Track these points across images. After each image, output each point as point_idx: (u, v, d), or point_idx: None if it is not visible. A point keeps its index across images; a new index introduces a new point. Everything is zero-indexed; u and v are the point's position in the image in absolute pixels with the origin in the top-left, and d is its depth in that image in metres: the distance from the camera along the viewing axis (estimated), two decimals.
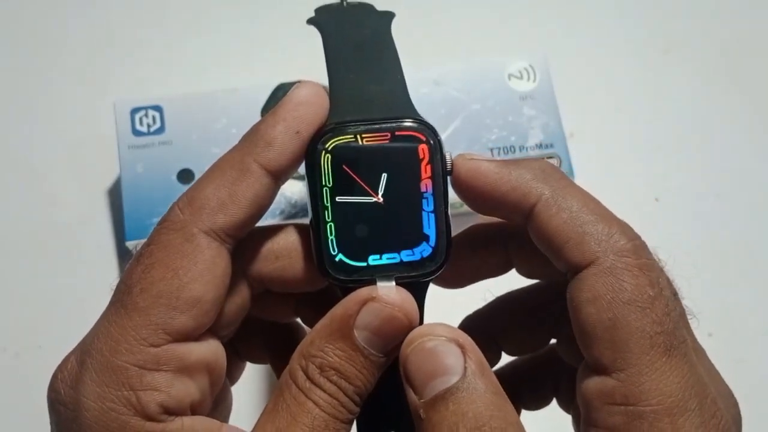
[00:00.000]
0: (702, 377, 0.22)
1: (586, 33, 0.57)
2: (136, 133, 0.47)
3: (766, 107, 0.55)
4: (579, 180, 0.46)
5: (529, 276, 0.29)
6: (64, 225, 0.50)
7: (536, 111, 0.48)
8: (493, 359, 0.30)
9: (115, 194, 0.50)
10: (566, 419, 0.29)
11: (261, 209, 0.25)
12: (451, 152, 0.25)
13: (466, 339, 0.23)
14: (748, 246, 0.51)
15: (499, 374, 0.29)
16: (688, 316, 0.25)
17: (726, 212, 0.52)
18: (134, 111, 0.47)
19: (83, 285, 0.46)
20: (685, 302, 0.25)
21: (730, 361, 0.47)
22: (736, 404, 0.24)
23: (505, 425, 0.22)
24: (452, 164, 0.25)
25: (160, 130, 0.47)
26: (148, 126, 0.47)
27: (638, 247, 0.23)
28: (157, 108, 0.47)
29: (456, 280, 0.29)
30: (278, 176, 0.25)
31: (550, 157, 0.47)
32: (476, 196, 0.25)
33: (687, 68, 0.56)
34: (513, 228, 0.26)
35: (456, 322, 0.31)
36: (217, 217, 0.23)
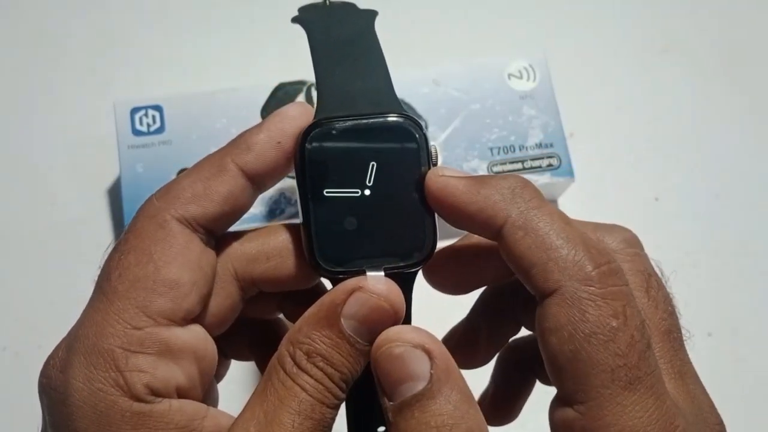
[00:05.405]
0: (670, 409, 0.22)
1: (585, 33, 0.57)
2: (136, 132, 0.47)
3: (765, 107, 0.55)
4: (579, 180, 0.46)
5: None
6: (64, 225, 0.50)
7: (536, 111, 0.48)
8: (511, 332, 0.31)
9: (115, 194, 0.50)
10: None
11: (236, 208, 0.25)
12: (436, 145, 0.25)
13: (433, 344, 0.23)
14: (748, 246, 0.51)
15: (518, 346, 0.31)
16: (684, 335, 0.24)
17: (725, 212, 0.52)
18: (134, 111, 0.47)
19: (83, 285, 0.46)
20: (681, 321, 0.25)
21: (730, 360, 0.47)
22: (717, 428, 0.24)
23: None
24: (437, 157, 0.25)
25: (160, 129, 0.47)
26: (148, 126, 0.47)
27: (605, 273, 0.22)
28: (157, 108, 0.47)
29: (475, 359, 0.30)
30: (255, 180, 0.25)
31: (551, 157, 0.47)
32: (447, 214, 0.25)
33: (687, 67, 0.56)
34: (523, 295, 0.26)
35: (456, 319, 0.32)
36: (189, 206, 0.24)
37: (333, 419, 0.24)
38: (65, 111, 0.53)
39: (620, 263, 0.24)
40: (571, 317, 0.22)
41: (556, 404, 0.23)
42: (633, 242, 0.26)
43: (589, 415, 0.22)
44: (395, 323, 0.24)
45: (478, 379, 0.31)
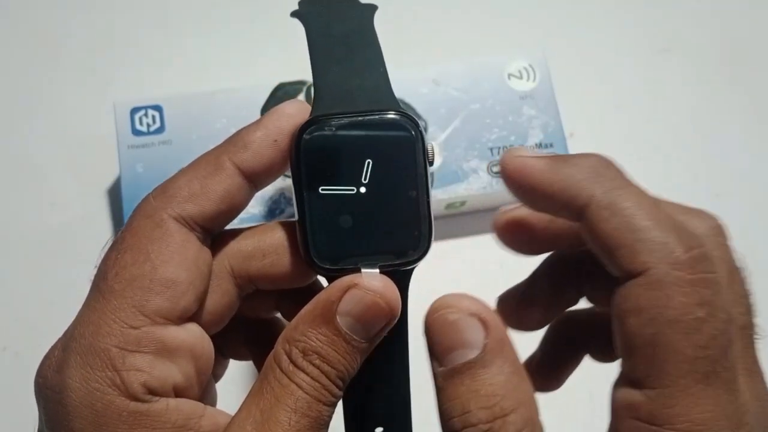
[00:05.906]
0: (742, 406, 0.21)
1: (585, 32, 0.57)
2: (136, 132, 0.47)
3: (766, 107, 0.55)
4: None
5: (599, 305, 0.28)
6: (64, 225, 0.50)
7: (536, 111, 0.48)
8: (572, 301, 0.30)
9: (115, 194, 0.50)
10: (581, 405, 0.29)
11: (232, 207, 0.25)
12: (432, 143, 0.25)
13: (488, 314, 0.23)
14: (748, 246, 0.51)
15: (572, 318, 0.30)
16: (756, 336, 0.23)
17: (725, 212, 0.52)
18: (134, 111, 0.47)
19: (83, 285, 0.46)
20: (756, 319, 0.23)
21: None
22: None
23: (517, 405, 0.22)
24: (433, 155, 0.25)
25: (160, 129, 0.47)
26: (148, 126, 0.47)
27: (695, 258, 0.21)
28: (157, 108, 0.47)
29: (530, 322, 0.29)
30: (252, 179, 0.25)
31: None
32: (525, 196, 0.24)
33: (687, 67, 0.56)
34: (588, 264, 0.25)
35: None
36: (186, 205, 0.24)
37: (330, 417, 0.24)
38: (65, 111, 0.53)
39: None
40: (656, 301, 0.21)
41: (621, 384, 0.22)
42: (720, 231, 0.25)
43: (659, 402, 0.21)
44: (391, 320, 0.24)
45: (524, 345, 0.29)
